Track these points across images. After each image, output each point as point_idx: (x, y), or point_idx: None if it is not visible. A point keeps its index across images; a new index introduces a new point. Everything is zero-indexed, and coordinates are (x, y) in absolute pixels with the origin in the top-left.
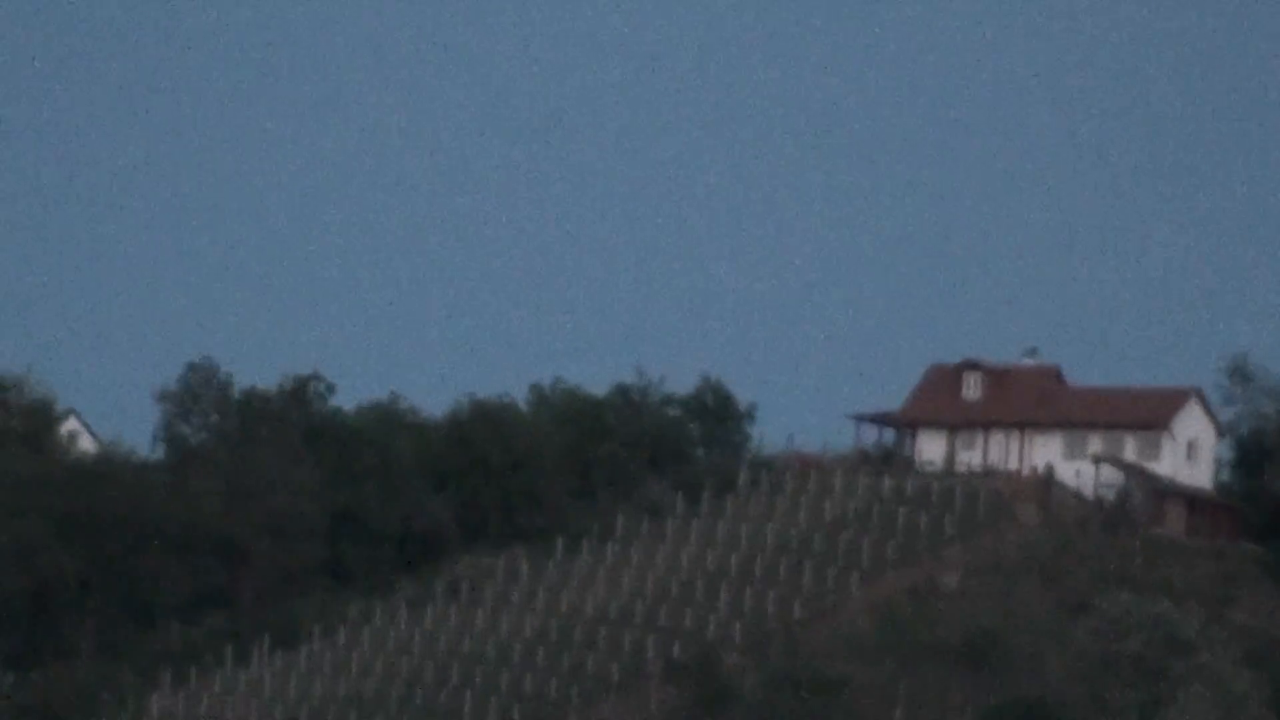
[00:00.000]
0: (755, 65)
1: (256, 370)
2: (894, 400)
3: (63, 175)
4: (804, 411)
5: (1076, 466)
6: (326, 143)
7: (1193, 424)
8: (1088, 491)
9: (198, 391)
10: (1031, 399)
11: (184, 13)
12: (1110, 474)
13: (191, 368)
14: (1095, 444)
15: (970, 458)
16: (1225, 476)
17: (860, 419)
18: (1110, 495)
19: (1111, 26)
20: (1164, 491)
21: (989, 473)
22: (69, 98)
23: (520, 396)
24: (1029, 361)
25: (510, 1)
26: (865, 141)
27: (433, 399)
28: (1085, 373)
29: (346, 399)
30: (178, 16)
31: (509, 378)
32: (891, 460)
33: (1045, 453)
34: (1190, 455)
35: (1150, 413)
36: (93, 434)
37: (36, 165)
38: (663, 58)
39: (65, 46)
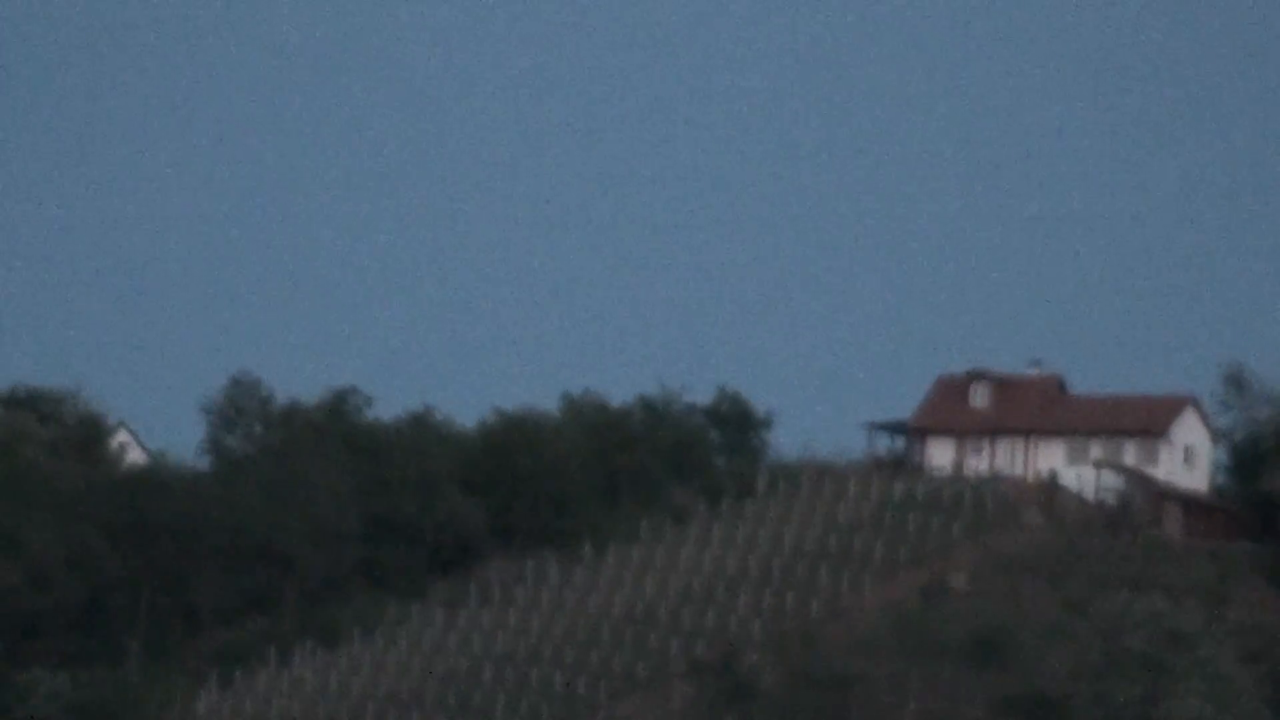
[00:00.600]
0: (771, 80)
1: (298, 384)
2: (905, 409)
3: (113, 196)
4: (819, 420)
5: (1079, 472)
6: (368, 164)
7: (1190, 431)
8: (1090, 495)
9: (242, 405)
10: (1036, 407)
11: (229, 27)
12: (1111, 479)
13: (235, 382)
14: (1097, 450)
15: (978, 464)
16: (1221, 480)
17: (873, 427)
18: (1111, 499)
19: (1118, 40)
20: (1162, 495)
21: (996, 478)
22: (117, 117)
23: (549, 407)
24: (1033, 372)
25: (539, 19)
26: (878, 158)
27: (465, 410)
28: (1087, 382)
29: (384, 411)
30: (223, 31)
31: (538, 390)
32: (903, 466)
33: (1049, 459)
34: (1187, 460)
35: (1149, 420)
36: (142, 446)
37: (87, 188)
38: (682, 73)
39: (113, 66)
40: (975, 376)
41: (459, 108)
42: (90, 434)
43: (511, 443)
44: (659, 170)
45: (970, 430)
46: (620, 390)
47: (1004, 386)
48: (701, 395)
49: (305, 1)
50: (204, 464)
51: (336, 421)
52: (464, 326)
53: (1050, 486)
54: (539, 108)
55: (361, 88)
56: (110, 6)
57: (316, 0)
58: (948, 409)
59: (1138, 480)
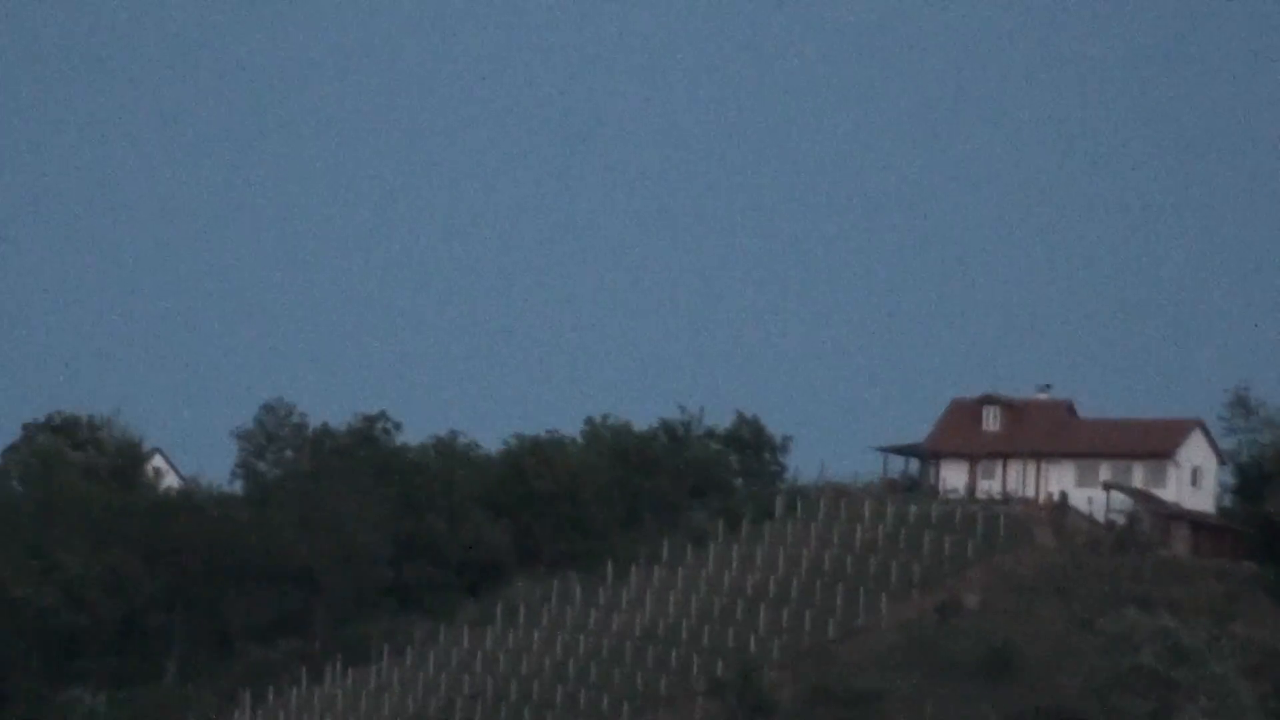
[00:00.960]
0: (789, 108)
1: (328, 410)
2: (918, 433)
3: (149, 226)
4: (834, 444)
5: (1088, 493)
6: (400, 195)
7: (1196, 453)
8: (1099, 516)
9: (273, 430)
10: (1046, 431)
11: (269, 53)
12: (1120, 500)
13: (268, 408)
14: (1105, 472)
15: (990, 486)
16: (1227, 501)
17: (887, 450)
18: (1120, 519)
19: (1131, 61)
20: (1170, 516)
21: (1007, 499)
22: (153, 146)
23: (572, 432)
24: (1043, 396)
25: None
26: (893, 186)
27: (491, 435)
28: (1096, 406)
29: (412, 435)
30: (263, 58)
31: (561, 414)
32: (916, 488)
33: (1059, 480)
34: (1194, 482)
35: (1157, 443)
36: (176, 471)
37: (123, 218)
38: (702, 99)
39: (152, 94)
40: (987, 401)
41: (489, 140)
42: (126, 459)
43: (536, 466)
44: (682, 200)
45: (982, 453)
46: (641, 415)
47: (1015, 410)
48: (720, 420)
49: (346, 28)
50: (237, 488)
51: (366, 446)
52: (489, 353)
53: (1060, 507)
54: (566, 138)
55: (395, 119)
56: (152, 27)
57: (360, 28)
58: (960, 433)
59: (1146, 501)
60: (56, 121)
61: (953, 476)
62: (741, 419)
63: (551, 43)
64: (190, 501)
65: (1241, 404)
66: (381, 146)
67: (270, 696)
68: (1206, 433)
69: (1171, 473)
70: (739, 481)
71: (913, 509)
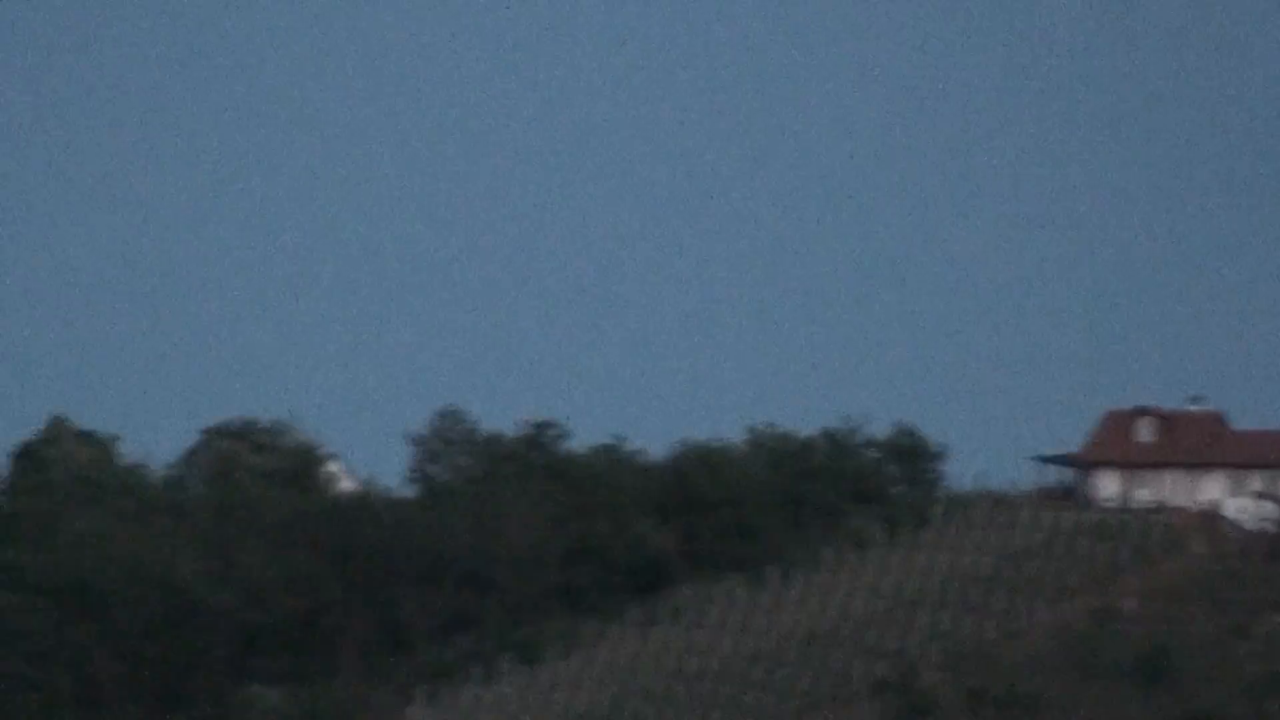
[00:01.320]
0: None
1: (499, 416)
2: (1073, 443)
3: (323, 236)
4: (992, 453)
5: (1240, 502)
6: (557, 203)
7: None
8: (1250, 525)
9: (447, 436)
10: (1198, 441)
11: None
12: (1271, 509)
13: (442, 415)
14: (1257, 482)
15: (1143, 495)
16: None
17: (1043, 460)
18: (1271, 528)
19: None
20: None
21: (1160, 508)
22: (308, 146)
23: (736, 439)
24: (1195, 407)
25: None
26: (1049, 197)
27: (656, 442)
28: (1247, 417)
29: (579, 442)
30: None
31: (725, 422)
32: (1071, 497)
33: (1211, 490)
34: None
35: None
36: (352, 475)
37: (313, 230)
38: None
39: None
40: (1140, 412)
41: (658, 142)
42: (303, 463)
43: (700, 472)
44: (846, 211)
45: (1136, 463)
46: (804, 424)
47: (1168, 421)
48: (880, 429)
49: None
50: (410, 492)
51: (535, 452)
52: (656, 362)
53: (1212, 516)
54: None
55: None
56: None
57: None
58: (1114, 443)
59: None
60: (217, 122)
61: (1106, 486)
62: (900, 428)
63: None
64: (366, 504)
65: None
66: (550, 151)
67: (444, 694)
68: None
69: None
70: (898, 488)
71: (1067, 517)
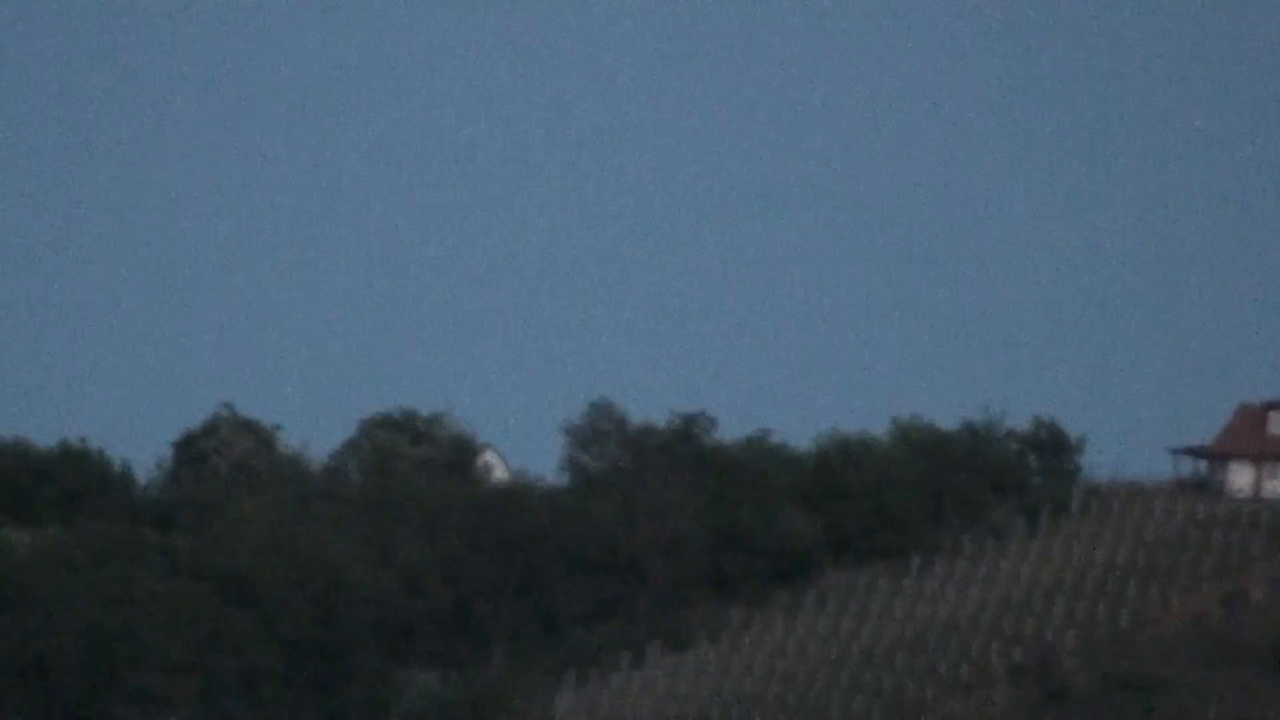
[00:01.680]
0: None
1: (650, 408)
2: (1207, 436)
3: (477, 239)
4: (1128, 445)
5: None
6: (704, 197)
7: None
8: None
9: (599, 427)
10: None
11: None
12: None
13: (594, 406)
14: None
15: (1275, 486)
16: None
17: (1177, 452)
18: None
19: None
20: None
21: None
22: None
23: (880, 431)
24: None
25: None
26: (1188, 194)
27: (802, 433)
28: None
29: (727, 433)
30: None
31: (869, 414)
32: (1205, 488)
33: None
34: None
35: None
36: (507, 464)
37: (453, 227)
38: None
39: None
40: (1273, 406)
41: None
42: (460, 454)
43: (845, 463)
44: (980, 208)
45: (1268, 455)
46: (946, 416)
47: None
48: (1020, 422)
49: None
50: (563, 481)
51: (685, 443)
52: (802, 355)
53: None
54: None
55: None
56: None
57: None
58: (1247, 435)
59: None
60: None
61: (1239, 477)
62: (1040, 421)
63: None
64: (520, 493)
65: None
66: (701, 148)
67: (593, 677)
68: None
69: None
70: (1037, 479)
71: (1200, 507)
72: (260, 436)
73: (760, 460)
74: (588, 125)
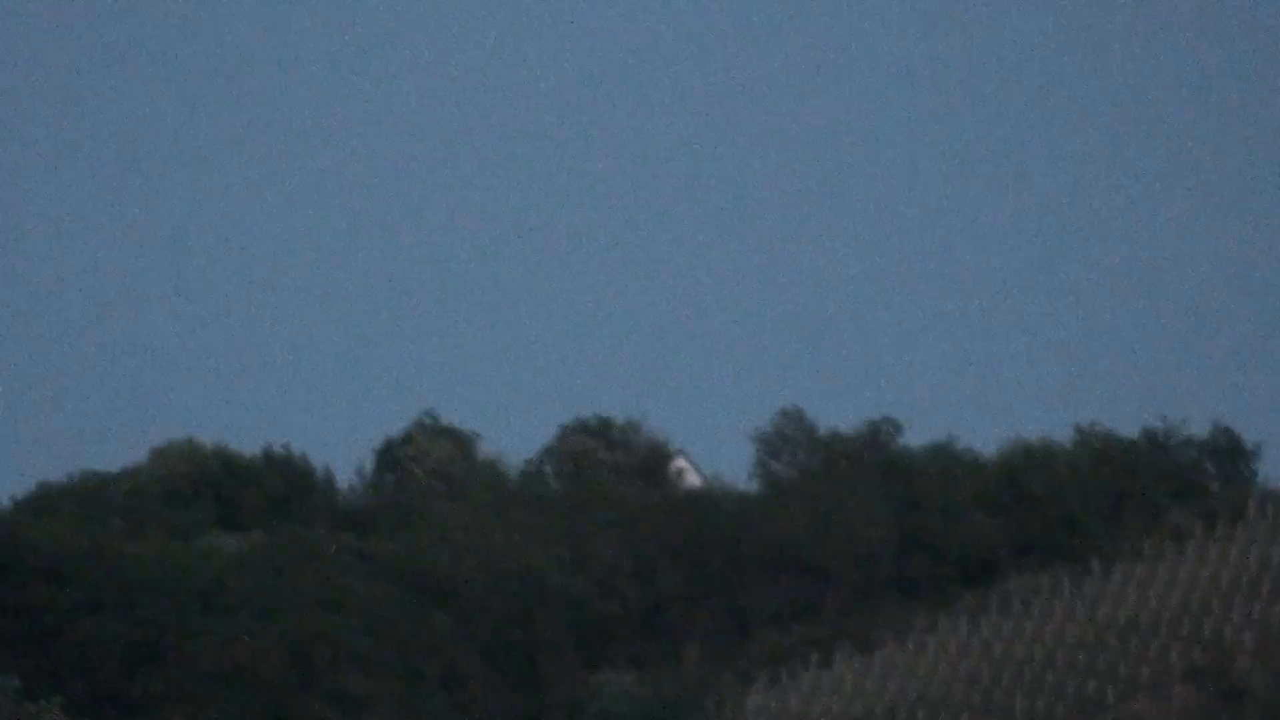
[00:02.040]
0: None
1: (838, 415)
2: None
3: (669, 253)
4: None
5: None
6: (892, 209)
7: None
8: None
9: (788, 434)
10: None
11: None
12: None
13: (783, 414)
14: None
15: None
16: None
17: None
18: None
19: None
20: None
21: None
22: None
23: (1062, 438)
24: None
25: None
26: None
27: (986, 439)
28: None
29: (912, 439)
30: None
31: (1052, 421)
32: None
33: None
34: None
35: None
36: (699, 471)
37: (649, 242)
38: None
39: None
40: None
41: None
42: (653, 460)
43: (1028, 469)
44: (1148, 225)
45: None
46: (1127, 423)
47: None
48: (1199, 428)
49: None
50: (753, 487)
51: (871, 449)
52: (989, 363)
53: None
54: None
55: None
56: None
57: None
58: None
59: None
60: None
61: None
62: (1217, 427)
63: None
64: (711, 499)
65: None
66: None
67: (783, 678)
68: None
69: None
70: (1215, 485)
71: None
72: (459, 443)
73: (946, 466)
74: (747, 138)
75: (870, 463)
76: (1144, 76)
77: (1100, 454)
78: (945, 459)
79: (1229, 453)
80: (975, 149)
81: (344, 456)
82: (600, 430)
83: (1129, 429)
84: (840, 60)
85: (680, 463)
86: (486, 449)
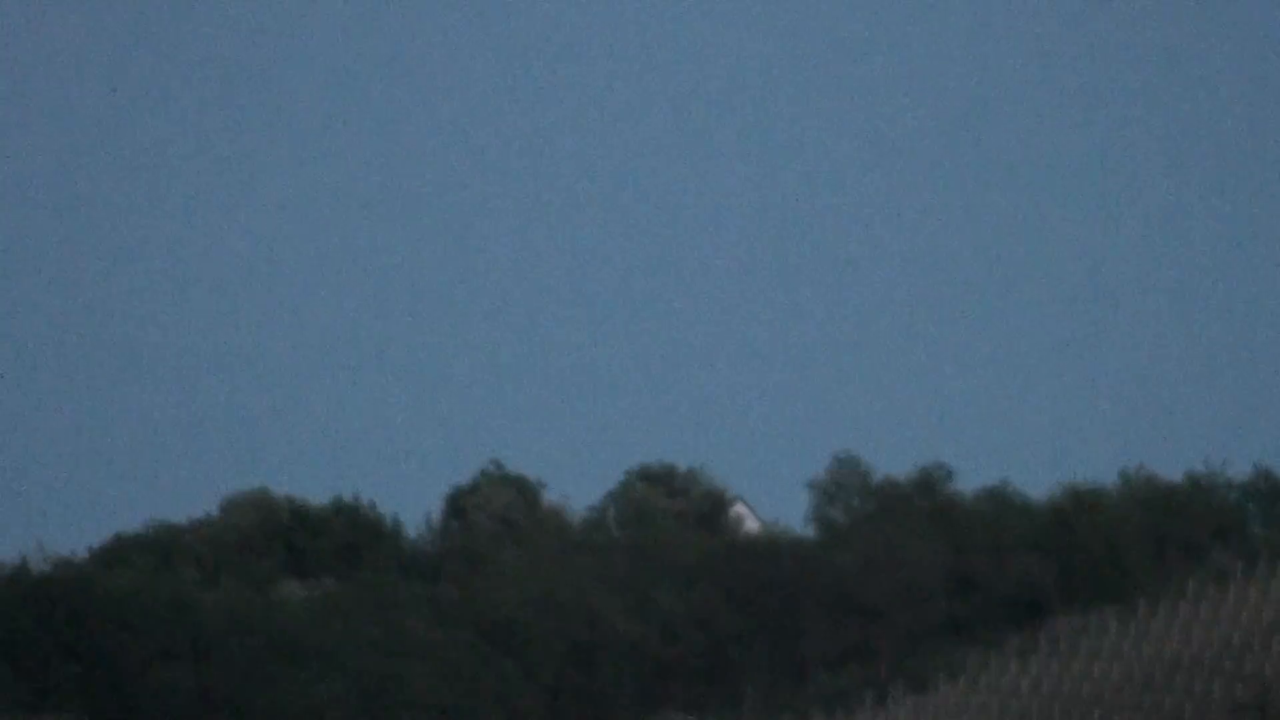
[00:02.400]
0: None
1: (891, 461)
2: None
3: (727, 310)
4: None
5: None
6: (936, 259)
7: None
8: None
9: (843, 481)
10: None
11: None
12: None
13: (839, 460)
14: None
15: None
16: None
17: None
18: None
19: None
20: None
21: None
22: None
23: (1109, 482)
24: None
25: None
26: None
27: (1036, 484)
28: None
29: (964, 484)
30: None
31: (1098, 467)
32: None
33: None
34: None
35: None
36: (757, 517)
37: (711, 302)
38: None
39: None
40: None
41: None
42: (712, 507)
43: (1076, 512)
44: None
45: None
46: (1170, 468)
47: None
48: (1239, 472)
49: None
50: (810, 532)
51: (924, 494)
52: (1034, 411)
53: None
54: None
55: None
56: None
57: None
58: None
59: None
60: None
61: None
62: (1258, 471)
63: None
64: (769, 545)
65: None
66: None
67: (839, 718)
68: None
69: None
70: (1256, 527)
71: None
72: (523, 491)
73: (997, 510)
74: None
75: (923, 507)
76: (1210, 130)
77: (1145, 497)
78: (996, 503)
79: (1269, 495)
80: (1027, 205)
81: (412, 505)
82: (662, 478)
83: (1173, 472)
84: (915, 109)
85: (739, 509)
86: (551, 497)
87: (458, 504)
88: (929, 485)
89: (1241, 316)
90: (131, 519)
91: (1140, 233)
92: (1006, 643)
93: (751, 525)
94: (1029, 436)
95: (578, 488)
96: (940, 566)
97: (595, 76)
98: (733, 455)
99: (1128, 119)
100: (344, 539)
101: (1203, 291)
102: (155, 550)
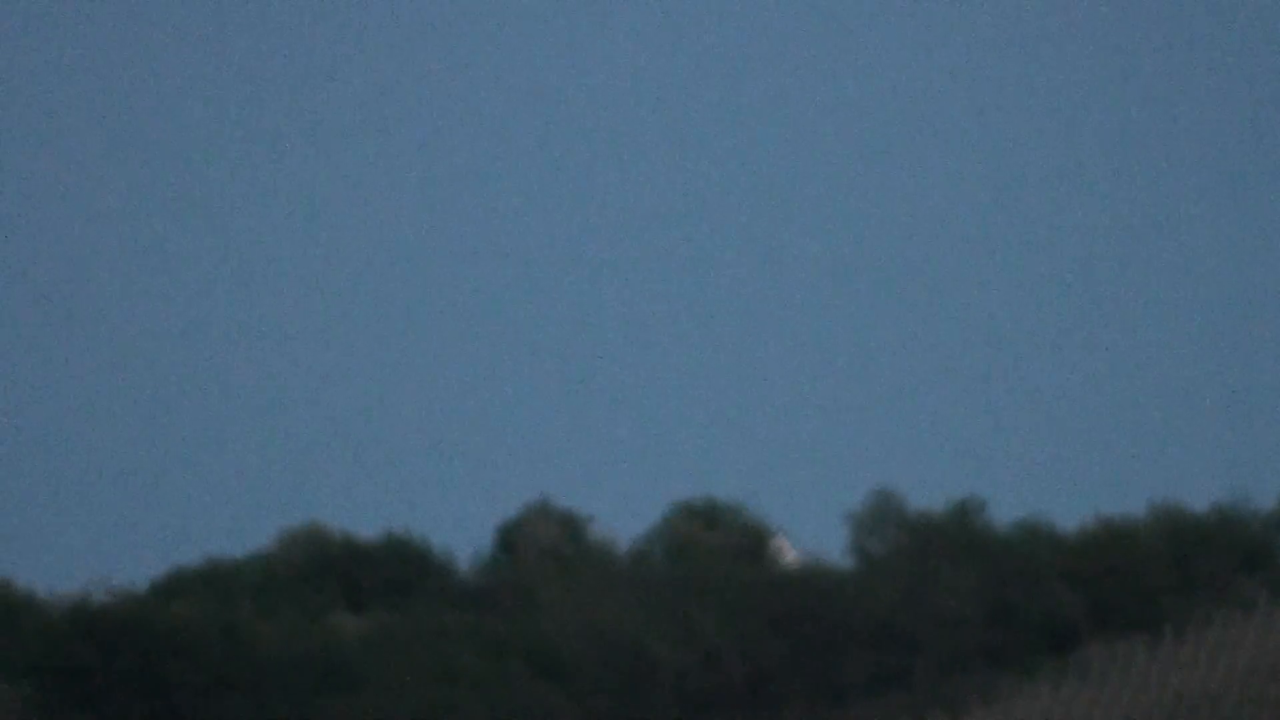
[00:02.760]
0: None
1: (927, 495)
2: None
3: (773, 345)
4: None
5: None
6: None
7: None
8: None
9: (881, 514)
10: None
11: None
12: None
13: (876, 494)
14: None
15: None
16: None
17: None
18: None
19: None
20: None
21: None
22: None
23: (1138, 513)
24: None
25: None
26: None
27: (1067, 516)
28: None
29: (998, 515)
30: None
31: (1127, 499)
32: None
33: None
34: None
35: None
36: (797, 549)
37: (752, 337)
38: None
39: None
40: None
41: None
42: (754, 540)
43: (1106, 543)
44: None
45: None
46: (1197, 499)
47: None
48: (1265, 502)
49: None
50: (848, 564)
51: (959, 526)
52: (1065, 446)
53: None
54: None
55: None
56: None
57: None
58: None
59: None
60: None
61: None
62: None
63: None
64: (808, 576)
65: None
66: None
67: None
68: None
69: None
70: None
71: None
72: (570, 525)
73: (1030, 542)
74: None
75: (958, 539)
76: (1246, 157)
77: (1172, 529)
78: (1028, 534)
79: None
80: (1051, 233)
81: (463, 539)
82: (705, 512)
83: (1200, 503)
84: (950, 127)
85: (779, 541)
86: (597, 530)
87: (507, 537)
88: (964, 518)
89: (1272, 350)
90: (189, 552)
91: (1171, 269)
92: (1039, 670)
93: (791, 557)
94: (1060, 470)
95: (623, 521)
96: (975, 596)
97: (667, 118)
98: (772, 489)
99: (1182, 160)
100: (395, 572)
101: (1230, 327)
102: (213, 582)
